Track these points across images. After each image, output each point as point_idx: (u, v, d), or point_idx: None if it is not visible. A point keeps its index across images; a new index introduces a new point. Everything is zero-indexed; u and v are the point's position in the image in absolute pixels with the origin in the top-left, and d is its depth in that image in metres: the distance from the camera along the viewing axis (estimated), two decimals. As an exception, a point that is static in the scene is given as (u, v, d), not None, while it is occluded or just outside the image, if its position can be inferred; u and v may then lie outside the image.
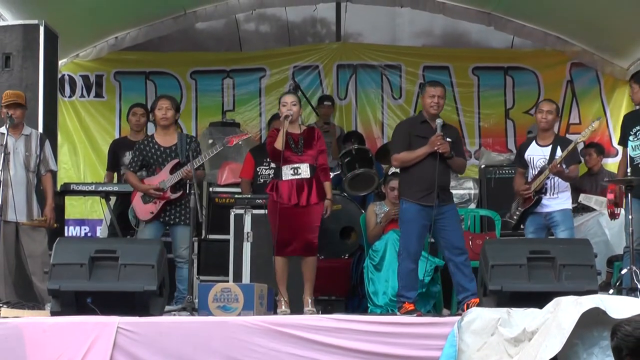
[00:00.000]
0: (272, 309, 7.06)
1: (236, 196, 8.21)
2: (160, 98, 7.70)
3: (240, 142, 7.78)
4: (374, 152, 9.33)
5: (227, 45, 11.28)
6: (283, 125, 7.15)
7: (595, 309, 5.44)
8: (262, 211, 7.71)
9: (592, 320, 5.46)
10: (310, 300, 7.10)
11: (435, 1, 10.43)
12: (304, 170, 7.17)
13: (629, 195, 6.98)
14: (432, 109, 7.18)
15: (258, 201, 7.87)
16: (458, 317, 5.85)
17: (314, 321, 6.00)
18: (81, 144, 10.73)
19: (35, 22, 7.97)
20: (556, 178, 7.36)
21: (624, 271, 6.89)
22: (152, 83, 10.89)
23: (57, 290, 6.20)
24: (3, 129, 7.26)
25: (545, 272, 6.23)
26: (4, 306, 6.50)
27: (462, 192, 8.90)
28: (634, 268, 6.67)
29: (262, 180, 8.59)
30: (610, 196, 7.54)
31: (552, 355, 5.36)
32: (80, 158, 10.70)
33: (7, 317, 6.14)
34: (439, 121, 7.12)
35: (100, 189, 8.34)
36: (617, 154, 9.81)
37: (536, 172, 7.43)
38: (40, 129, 7.75)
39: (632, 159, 7.29)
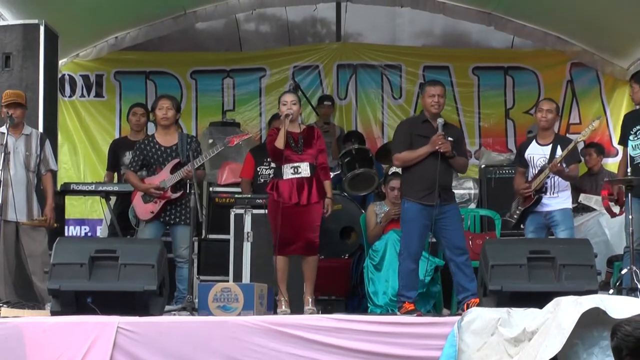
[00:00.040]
0: (272, 309, 7.06)
1: (236, 196, 8.21)
2: (161, 98, 7.70)
3: (240, 142, 7.78)
4: (374, 152, 9.33)
5: (227, 45, 11.28)
6: (283, 124, 7.15)
7: (595, 309, 5.44)
8: (262, 211, 7.71)
9: (592, 320, 5.46)
10: (310, 300, 7.10)
11: (435, 1, 10.43)
12: (304, 169, 7.17)
13: (629, 195, 6.98)
14: (432, 108, 7.18)
15: (258, 201, 7.87)
16: (458, 317, 5.85)
17: (314, 321, 6.00)
18: (81, 143, 10.73)
19: (36, 22, 7.97)
20: (556, 177, 7.36)
21: (624, 271, 6.89)
22: (152, 83, 10.89)
23: (57, 290, 6.20)
24: (3, 129, 7.26)
25: (545, 272, 6.23)
26: (4, 306, 6.50)
27: (462, 192, 8.89)
28: (634, 268, 6.67)
29: (262, 180, 8.59)
30: (604, 192, 7.55)
31: (552, 355, 5.36)
32: (80, 158, 10.70)
33: (7, 317, 6.14)
34: (440, 120, 7.12)
35: (100, 188, 8.34)
36: (617, 154, 9.82)
37: (536, 172, 7.43)
38: (41, 129, 7.75)
39: (632, 158, 7.29)
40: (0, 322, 5.93)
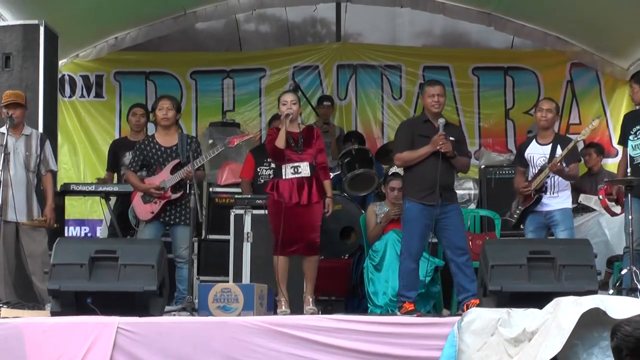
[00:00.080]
0: (272, 309, 7.06)
1: (236, 196, 8.21)
2: (161, 98, 7.70)
3: (240, 143, 7.78)
4: (374, 152, 9.34)
5: (227, 45, 11.28)
6: (284, 124, 7.15)
7: (595, 309, 5.44)
8: (262, 211, 7.71)
9: (592, 320, 5.46)
10: (311, 299, 7.10)
11: (435, 1, 10.44)
12: (304, 169, 7.16)
13: (629, 195, 6.97)
14: (433, 108, 7.19)
15: (258, 201, 7.87)
16: (458, 318, 5.85)
17: (314, 321, 6.00)
18: (81, 144, 10.73)
19: (35, 22, 7.97)
20: (556, 177, 7.36)
21: (624, 271, 6.89)
22: (152, 83, 10.89)
23: (57, 290, 6.20)
24: (3, 129, 7.26)
25: (545, 273, 6.22)
26: (4, 306, 6.50)
27: (462, 192, 8.89)
28: (634, 268, 6.67)
29: (262, 181, 8.59)
30: (602, 192, 7.55)
31: (552, 356, 5.35)
32: (80, 158, 10.70)
33: (7, 317, 6.14)
34: (441, 120, 7.12)
35: (100, 189, 8.34)
36: (617, 154, 9.81)
37: (536, 171, 7.43)
38: (41, 129, 7.75)
39: (632, 158, 7.29)
40: (0, 323, 5.93)
